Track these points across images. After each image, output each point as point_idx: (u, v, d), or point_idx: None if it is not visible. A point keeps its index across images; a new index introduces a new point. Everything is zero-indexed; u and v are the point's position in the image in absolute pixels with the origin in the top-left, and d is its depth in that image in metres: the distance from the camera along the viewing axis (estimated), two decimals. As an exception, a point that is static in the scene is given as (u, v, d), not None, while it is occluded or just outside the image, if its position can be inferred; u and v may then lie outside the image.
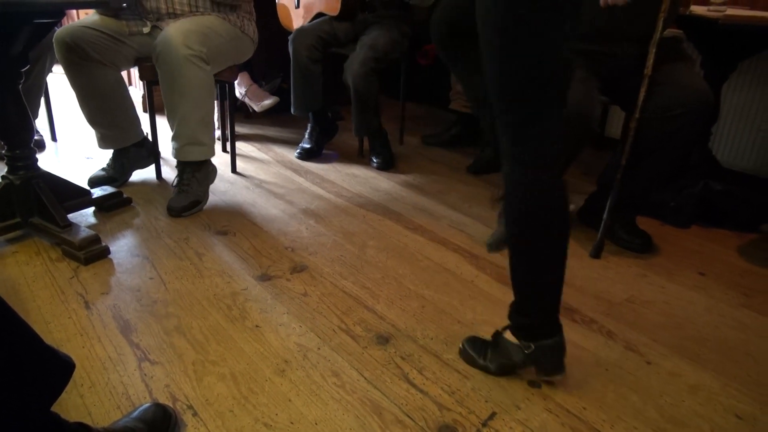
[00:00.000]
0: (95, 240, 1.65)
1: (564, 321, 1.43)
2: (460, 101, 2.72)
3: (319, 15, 2.49)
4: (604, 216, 1.74)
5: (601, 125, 2.84)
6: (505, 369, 1.22)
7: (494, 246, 1.55)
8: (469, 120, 2.79)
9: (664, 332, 1.42)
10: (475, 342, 1.28)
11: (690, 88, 1.65)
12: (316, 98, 2.51)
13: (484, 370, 1.24)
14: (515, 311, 1.19)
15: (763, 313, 1.53)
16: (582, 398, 1.18)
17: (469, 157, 2.68)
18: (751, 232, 2.02)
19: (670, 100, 1.64)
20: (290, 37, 2.46)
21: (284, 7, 2.67)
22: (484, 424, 1.10)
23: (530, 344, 1.16)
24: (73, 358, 0.85)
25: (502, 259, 1.75)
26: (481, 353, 1.25)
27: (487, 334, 1.37)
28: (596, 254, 1.79)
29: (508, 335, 1.21)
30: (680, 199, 2.05)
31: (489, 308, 1.49)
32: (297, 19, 2.61)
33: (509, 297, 1.52)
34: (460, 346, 1.29)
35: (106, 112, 2.10)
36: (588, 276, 1.68)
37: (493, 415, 1.12)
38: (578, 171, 2.52)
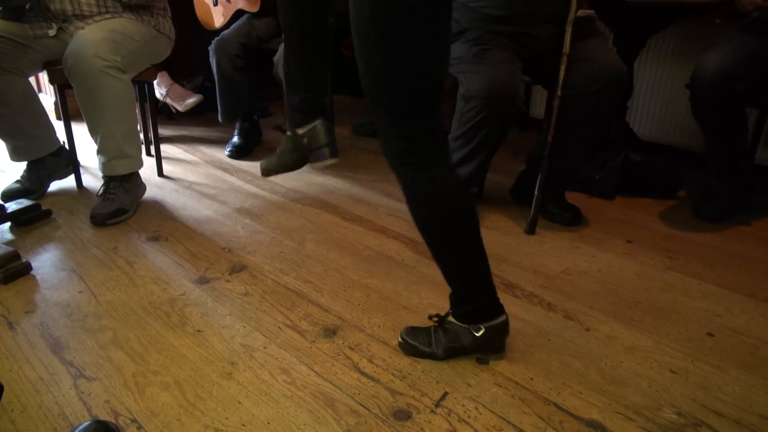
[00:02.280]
0: (14, 256, 1.55)
1: (505, 296, 1.48)
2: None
3: (240, 11, 2.42)
4: (536, 192, 1.79)
5: (525, 106, 2.93)
6: (454, 352, 1.23)
7: (265, 171, 1.48)
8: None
9: (600, 299, 1.48)
10: (414, 331, 1.27)
11: (605, 64, 1.72)
12: (242, 104, 2.50)
13: (431, 357, 1.24)
14: (457, 302, 1.21)
15: (687, 273, 1.62)
16: (528, 369, 1.22)
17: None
18: (670, 199, 2.14)
19: (588, 76, 1.71)
20: (211, 48, 2.40)
21: (202, 2, 2.58)
22: (438, 405, 1.11)
23: (479, 326, 1.19)
24: (0, 381, 0.80)
25: (441, 243, 1.77)
26: (424, 341, 1.24)
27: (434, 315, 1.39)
28: (530, 230, 1.84)
29: (451, 318, 1.23)
30: (604, 172, 2.14)
31: (433, 291, 1.50)
32: (217, 16, 2.53)
33: (451, 278, 1.55)
34: (400, 339, 1.27)
35: (16, 123, 1.96)
36: (525, 252, 1.73)
37: (445, 395, 1.14)
38: (507, 152, 2.59)
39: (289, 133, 1.30)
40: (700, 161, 2.23)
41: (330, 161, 1.28)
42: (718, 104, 1.75)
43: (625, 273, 1.62)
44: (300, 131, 1.27)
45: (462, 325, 1.21)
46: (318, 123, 1.24)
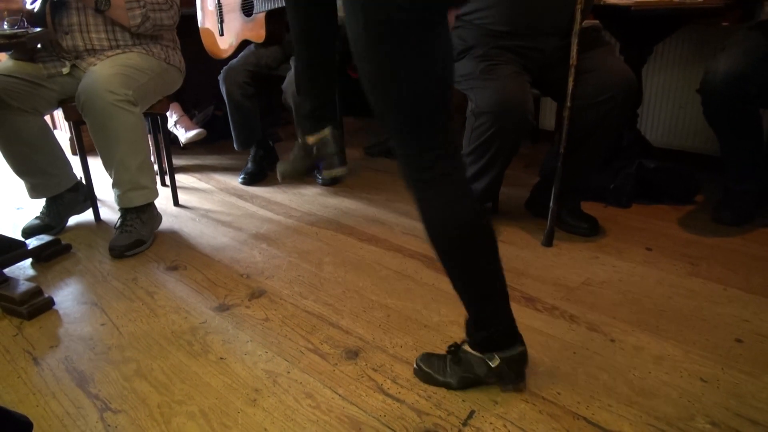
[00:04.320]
0: (37, 292, 1.56)
1: (526, 310, 1.47)
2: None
3: (246, 41, 2.46)
4: (551, 204, 1.79)
5: (535, 118, 2.92)
6: (468, 383, 1.18)
7: (280, 176, 1.47)
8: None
9: (623, 309, 1.46)
10: (429, 359, 1.23)
11: (614, 74, 1.72)
12: (255, 131, 2.52)
13: (445, 386, 1.19)
14: (473, 326, 1.15)
15: (710, 278, 1.60)
16: (555, 384, 1.20)
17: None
18: (687, 204, 2.12)
19: (596, 86, 1.71)
20: (221, 77, 2.44)
21: (209, 32, 2.63)
22: (465, 424, 1.10)
23: (495, 355, 1.13)
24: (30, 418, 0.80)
25: (458, 259, 1.76)
26: (439, 369, 1.20)
27: (455, 334, 1.38)
28: (548, 243, 1.83)
29: (467, 347, 1.18)
30: (619, 181, 2.13)
31: (453, 309, 1.49)
32: (223, 45, 2.57)
33: (471, 295, 1.54)
34: (415, 366, 1.24)
35: (33, 161, 2.00)
36: (543, 264, 1.71)
37: (472, 414, 1.12)
38: (519, 165, 2.58)
39: (300, 140, 1.30)
40: (715, 165, 2.21)
41: (338, 171, 1.27)
42: (730, 107, 1.74)
43: (646, 281, 1.60)
44: (310, 139, 1.26)
45: (477, 354, 1.16)
46: (327, 131, 1.24)
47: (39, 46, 1.94)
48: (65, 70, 1.96)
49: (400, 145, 1.04)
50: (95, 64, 1.91)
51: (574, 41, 1.64)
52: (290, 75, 2.32)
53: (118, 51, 1.96)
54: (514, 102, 1.68)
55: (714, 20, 2.24)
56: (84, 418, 1.16)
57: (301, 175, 1.35)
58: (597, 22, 2.14)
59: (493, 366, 1.14)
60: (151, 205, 2.02)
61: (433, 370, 1.21)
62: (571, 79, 1.67)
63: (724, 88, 1.70)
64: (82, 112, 1.84)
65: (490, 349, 1.14)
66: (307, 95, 1.25)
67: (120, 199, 1.93)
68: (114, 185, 1.92)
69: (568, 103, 1.69)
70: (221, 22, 2.50)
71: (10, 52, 1.96)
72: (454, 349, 1.20)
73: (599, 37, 1.88)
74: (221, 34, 2.55)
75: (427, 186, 1.05)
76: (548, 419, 1.10)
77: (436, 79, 0.98)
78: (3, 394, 1.24)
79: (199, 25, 2.66)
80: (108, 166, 1.91)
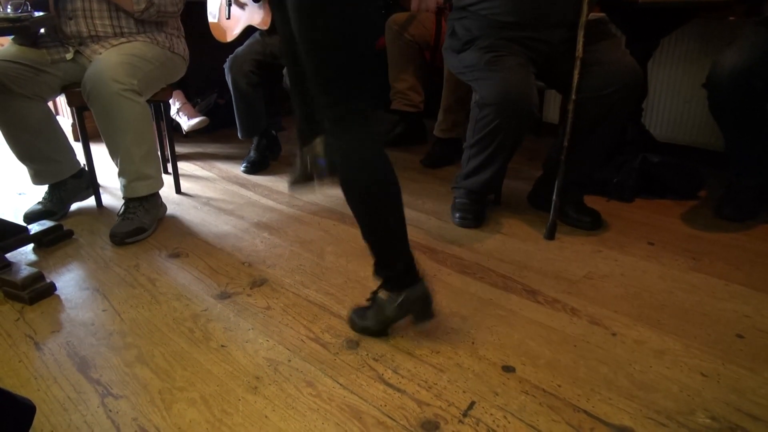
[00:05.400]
0: (39, 277, 1.57)
1: (528, 303, 1.47)
2: (401, 101, 2.74)
3: (250, 28, 2.45)
4: (554, 198, 1.78)
5: (539, 111, 2.91)
6: (383, 325, 1.33)
7: (294, 186, 1.54)
8: (413, 118, 2.81)
9: (624, 303, 1.46)
10: (358, 309, 1.38)
11: (620, 67, 1.71)
12: (260, 120, 2.52)
13: (366, 330, 1.35)
14: (378, 267, 1.29)
15: (712, 274, 1.60)
16: (556, 376, 1.20)
17: (414, 155, 2.70)
18: (690, 199, 2.11)
19: (602, 79, 1.70)
20: (226, 66, 2.43)
21: (217, 25, 2.61)
22: (465, 414, 1.10)
23: (399, 294, 1.27)
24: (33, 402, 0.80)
25: (461, 251, 1.76)
26: (362, 316, 1.36)
27: (457, 325, 1.38)
28: (550, 236, 1.83)
29: (382, 293, 1.31)
30: (622, 175, 2.12)
31: (454, 300, 1.49)
32: (229, 30, 2.56)
33: (472, 287, 1.55)
34: (348, 317, 1.39)
35: (36, 147, 1.99)
36: (545, 257, 1.71)
37: (472, 405, 1.12)
38: (522, 158, 2.57)
39: (299, 150, 1.34)
40: (719, 160, 2.21)
41: (324, 180, 1.31)
42: (736, 102, 1.73)
43: (648, 276, 1.60)
44: (305, 148, 1.32)
45: (386, 295, 1.30)
46: (317, 141, 1.28)
47: (42, 31, 1.93)
48: (69, 56, 1.95)
49: (316, 95, 1.17)
50: (100, 52, 1.90)
51: (581, 33, 1.63)
52: None
53: (122, 39, 1.95)
54: (518, 94, 1.68)
55: (721, 14, 2.23)
56: (85, 402, 1.16)
57: (302, 184, 1.40)
58: (603, 15, 2.12)
59: (398, 303, 1.28)
60: (156, 195, 2.02)
61: (358, 317, 1.37)
62: (576, 72, 1.66)
63: (731, 83, 1.70)
64: (87, 101, 1.84)
65: (395, 287, 1.29)
66: (298, 102, 1.32)
67: (125, 189, 1.93)
68: (119, 175, 1.92)
69: (573, 96, 1.68)
70: (229, 5, 2.49)
71: (12, 37, 1.94)
72: (372, 296, 1.34)
73: (606, 29, 1.86)
74: (227, 17, 2.54)
75: (333, 135, 1.19)
76: (548, 411, 1.10)
77: (349, 44, 1.11)
78: (5, 378, 1.24)
79: (210, 21, 2.64)
80: (113, 155, 1.91)
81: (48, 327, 1.43)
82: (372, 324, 1.33)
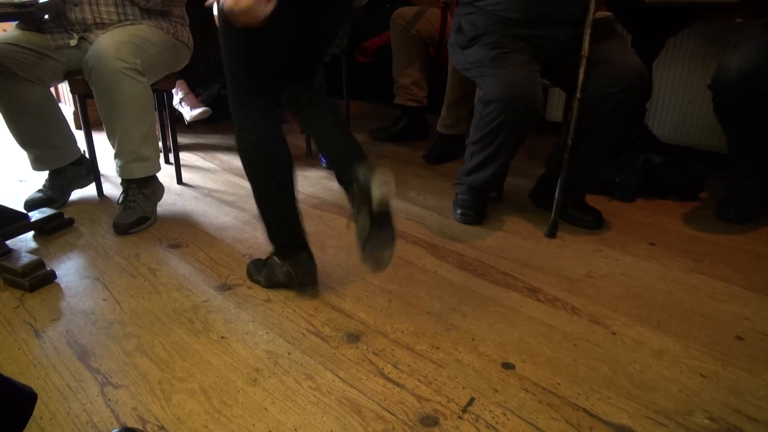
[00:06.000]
0: (39, 265, 1.56)
1: (529, 301, 1.47)
2: (405, 95, 2.73)
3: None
4: (556, 196, 1.78)
5: (542, 109, 2.91)
6: (272, 283, 1.52)
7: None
8: (415, 113, 2.80)
9: (625, 303, 1.47)
10: (257, 261, 1.57)
11: (626, 66, 1.70)
12: None
13: (258, 283, 1.54)
14: (269, 237, 1.47)
15: (712, 276, 1.60)
16: (555, 374, 1.20)
17: (417, 150, 2.69)
18: (692, 200, 2.11)
19: (608, 78, 1.69)
20: None
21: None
22: (464, 410, 1.10)
23: (285, 262, 1.46)
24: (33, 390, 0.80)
25: (462, 248, 1.76)
26: (257, 270, 1.54)
27: (456, 321, 1.38)
28: (552, 234, 1.83)
29: (275, 257, 1.48)
30: (624, 175, 2.12)
31: (455, 296, 1.49)
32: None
33: (473, 283, 1.55)
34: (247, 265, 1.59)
35: (37, 132, 1.99)
36: (546, 256, 1.71)
37: (472, 401, 1.13)
38: (524, 155, 2.57)
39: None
40: (721, 162, 2.21)
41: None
42: (742, 104, 1.72)
43: (649, 276, 1.60)
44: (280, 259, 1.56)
45: (277, 261, 1.47)
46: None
47: (46, 17, 1.92)
48: (73, 43, 1.94)
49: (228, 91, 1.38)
50: (104, 34, 1.89)
51: (587, 32, 1.62)
52: None
53: (127, 23, 1.94)
54: (523, 91, 1.67)
55: (727, 16, 2.22)
56: (85, 391, 1.16)
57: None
58: (609, 14, 2.12)
59: (284, 270, 1.46)
60: (154, 178, 2.00)
61: (255, 269, 1.56)
62: (581, 70, 1.65)
63: (737, 85, 1.69)
64: (89, 78, 1.82)
65: (283, 254, 1.47)
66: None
67: (121, 170, 1.91)
68: (116, 156, 1.90)
69: (578, 95, 1.68)
70: None
71: (17, 23, 1.93)
72: (268, 256, 1.52)
73: (612, 28, 1.86)
74: None
75: (238, 126, 1.38)
76: (548, 409, 1.11)
77: (243, 59, 1.31)
78: (4, 365, 1.24)
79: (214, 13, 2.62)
80: (111, 135, 1.89)
81: (48, 315, 1.43)
82: (263, 280, 1.53)
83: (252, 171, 1.40)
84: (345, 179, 1.40)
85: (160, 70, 2.01)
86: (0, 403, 0.71)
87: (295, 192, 1.42)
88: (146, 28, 1.94)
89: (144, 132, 1.89)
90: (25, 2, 1.60)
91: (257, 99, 1.36)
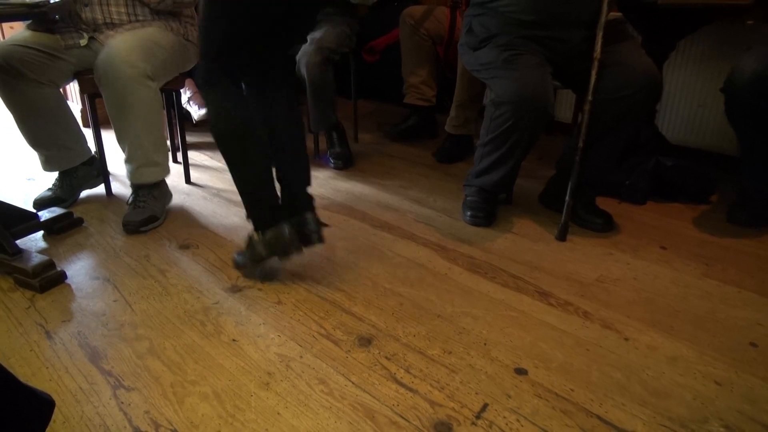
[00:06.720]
0: (49, 265, 1.56)
1: (540, 305, 1.47)
2: (415, 95, 2.72)
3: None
4: (567, 198, 1.77)
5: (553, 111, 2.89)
6: (256, 260, 1.53)
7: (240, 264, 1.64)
8: (425, 112, 2.80)
9: (637, 308, 1.46)
10: (240, 252, 1.59)
11: (638, 69, 1.69)
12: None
13: (244, 266, 1.58)
14: (246, 210, 1.51)
15: (725, 281, 1.59)
16: (568, 380, 1.20)
17: (425, 149, 2.69)
18: (702, 203, 2.10)
19: (620, 81, 1.68)
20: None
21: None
22: (478, 416, 1.10)
23: (262, 234, 1.49)
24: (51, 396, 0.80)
25: (472, 250, 1.76)
26: (242, 255, 1.57)
27: (467, 325, 1.38)
28: (562, 237, 1.82)
29: (254, 234, 1.51)
30: (634, 177, 2.11)
31: (466, 299, 1.49)
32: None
33: (483, 286, 1.55)
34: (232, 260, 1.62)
35: (48, 134, 1.99)
36: (557, 259, 1.70)
37: (485, 407, 1.12)
38: (533, 157, 2.56)
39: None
40: (731, 165, 2.19)
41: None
42: (755, 107, 1.71)
43: (661, 280, 1.59)
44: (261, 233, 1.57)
45: (256, 235, 1.50)
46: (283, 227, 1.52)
47: (57, 17, 1.92)
48: (83, 42, 1.93)
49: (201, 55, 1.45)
50: (114, 37, 1.89)
51: (599, 34, 1.62)
52: (305, 48, 2.29)
53: (137, 25, 1.93)
54: (535, 93, 1.67)
55: (740, 18, 2.20)
56: (97, 394, 1.16)
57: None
58: (620, 15, 2.10)
59: (263, 241, 1.48)
60: (163, 182, 2.01)
61: (238, 255, 1.59)
62: (594, 72, 1.65)
63: (750, 88, 1.68)
64: (99, 84, 1.83)
65: (260, 227, 1.49)
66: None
67: (132, 175, 1.92)
68: (127, 160, 1.91)
69: (590, 97, 1.67)
70: None
71: (27, 23, 1.93)
72: (248, 238, 1.53)
73: (624, 29, 1.85)
74: None
75: (205, 92, 1.43)
76: (561, 415, 1.10)
77: (225, 20, 1.34)
78: (16, 367, 1.24)
79: None
80: (122, 140, 1.89)
81: (59, 316, 1.43)
82: (247, 261, 1.54)
83: (223, 138, 1.44)
84: (286, 193, 1.55)
85: (170, 72, 2.01)
86: (21, 411, 0.71)
87: (268, 163, 1.47)
88: (156, 31, 1.93)
89: (154, 138, 1.90)
90: (37, 2, 1.60)
91: (225, 65, 1.39)
